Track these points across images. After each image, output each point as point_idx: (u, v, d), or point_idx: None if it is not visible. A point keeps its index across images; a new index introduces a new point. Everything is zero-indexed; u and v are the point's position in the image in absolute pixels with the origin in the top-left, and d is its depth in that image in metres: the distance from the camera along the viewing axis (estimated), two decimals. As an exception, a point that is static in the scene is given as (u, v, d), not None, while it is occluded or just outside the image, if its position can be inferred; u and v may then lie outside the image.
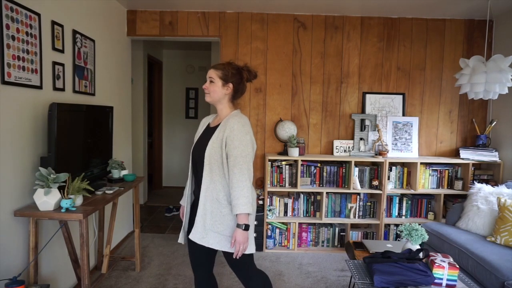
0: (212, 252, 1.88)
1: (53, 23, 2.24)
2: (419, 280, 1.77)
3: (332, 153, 3.66)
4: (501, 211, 2.58)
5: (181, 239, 1.93)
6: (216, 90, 1.79)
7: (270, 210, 3.47)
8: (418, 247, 2.09)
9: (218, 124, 1.81)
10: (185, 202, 1.92)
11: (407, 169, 3.57)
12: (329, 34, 3.62)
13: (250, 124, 1.81)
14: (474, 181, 3.25)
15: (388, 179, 3.51)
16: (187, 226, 1.93)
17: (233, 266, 1.85)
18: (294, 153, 3.38)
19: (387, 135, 3.62)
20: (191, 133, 6.02)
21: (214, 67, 1.82)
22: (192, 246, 1.88)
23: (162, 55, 5.91)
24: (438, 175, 3.56)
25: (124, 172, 2.78)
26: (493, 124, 3.53)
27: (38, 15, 2.08)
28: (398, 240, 3.46)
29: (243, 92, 1.87)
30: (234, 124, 1.72)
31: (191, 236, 1.76)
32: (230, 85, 1.80)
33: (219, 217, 1.73)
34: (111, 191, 2.35)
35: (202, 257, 1.90)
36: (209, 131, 1.84)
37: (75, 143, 2.28)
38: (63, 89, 2.38)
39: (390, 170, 3.55)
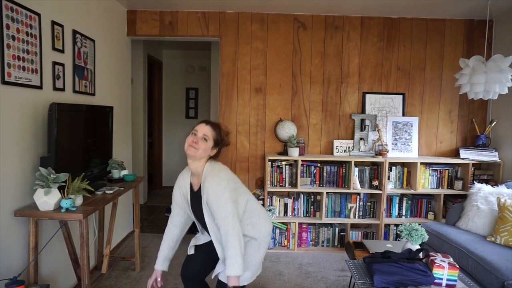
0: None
1: (53, 23, 2.24)
2: (419, 280, 1.77)
3: (332, 153, 3.66)
4: (501, 211, 2.58)
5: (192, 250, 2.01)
6: (206, 149, 1.74)
7: (270, 210, 3.47)
8: (418, 247, 2.09)
9: (198, 190, 1.80)
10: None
11: (407, 169, 3.57)
12: (329, 34, 3.62)
13: (225, 171, 1.78)
14: (474, 181, 3.25)
15: (388, 179, 3.51)
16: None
17: None
18: (294, 153, 3.38)
19: (387, 135, 3.62)
20: (191, 133, 6.02)
21: (211, 126, 1.78)
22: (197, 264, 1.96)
23: (162, 55, 5.91)
24: (438, 175, 3.56)
25: (124, 172, 2.78)
26: (493, 124, 3.53)
27: (38, 15, 2.08)
28: (398, 240, 3.46)
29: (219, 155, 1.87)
30: (209, 188, 1.70)
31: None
32: (217, 148, 1.81)
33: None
34: (111, 191, 2.35)
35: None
36: (196, 196, 1.82)
37: (75, 143, 2.28)
38: (63, 89, 2.38)
39: (390, 170, 3.55)
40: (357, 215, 3.53)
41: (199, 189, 1.79)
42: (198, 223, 1.97)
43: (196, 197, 1.83)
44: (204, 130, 1.75)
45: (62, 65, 2.36)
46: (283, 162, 3.49)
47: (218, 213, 1.68)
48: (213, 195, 1.68)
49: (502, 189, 2.82)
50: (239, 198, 1.79)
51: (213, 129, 1.77)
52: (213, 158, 1.82)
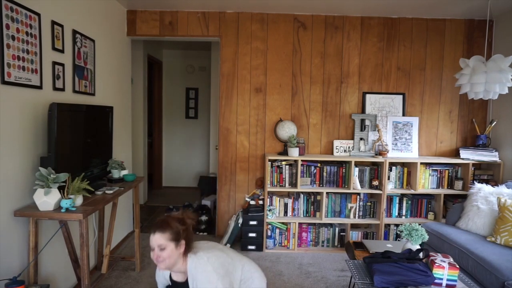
0: None
1: (53, 23, 2.24)
2: (419, 280, 1.77)
3: (332, 153, 3.66)
4: (501, 211, 2.58)
5: None
6: (171, 255, 1.60)
7: (270, 210, 3.47)
8: (418, 247, 2.08)
9: (185, 281, 1.71)
10: None
11: (407, 169, 3.57)
12: (329, 34, 3.62)
13: (210, 260, 1.66)
14: (474, 181, 3.25)
15: (388, 179, 3.51)
16: None
17: None
18: (294, 153, 3.38)
19: (387, 135, 3.62)
20: (191, 133, 6.03)
21: (160, 231, 1.61)
22: None
23: (162, 55, 5.91)
24: (438, 175, 3.55)
25: (124, 172, 2.78)
26: (493, 124, 3.53)
27: (38, 15, 2.08)
28: (398, 240, 3.46)
29: (192, 237, 1.72)
30: (201, 285, 1.61)
31: None
32: (183, 241, 1.64)
33: None
34: (111, 191, 2.35)
35: None
36: (183, 286, 1.73)
37: (75, 143, 2.28)
38: (63, 89, 2.38)
39: (390, 170, 3.55)
40: (357, 215, 3.53)
41: (186, 281, 1.70)
42: None
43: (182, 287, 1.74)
44: (156, 241, 1.61)
45: (62, 65, 2.36)
46: (283, 162, 3.49)
47: None
48: (205, 283, 1.61)
49: (502, 189, 2.82)
50: (233, 276, 1.72)
51: (163, 233, 1.61)
52: (190, 248, 1.69)
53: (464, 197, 3.36)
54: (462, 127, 3.72)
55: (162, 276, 1.82)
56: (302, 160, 3.45)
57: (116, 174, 2.71)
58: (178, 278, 1.75)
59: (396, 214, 3.58)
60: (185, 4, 3.40)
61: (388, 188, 3.45)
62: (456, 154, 3.71)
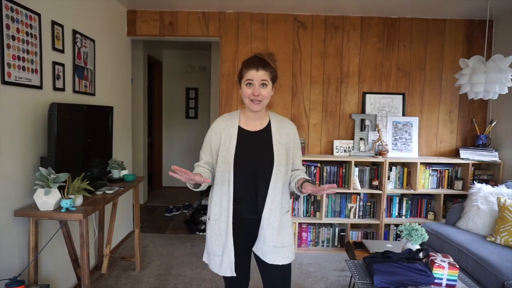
0: None
1: (53, 23, 2.24)
2: (419, 280, 1.77)
3: (332, 153, 3.66)
4: (501, 211, 2.58)
5: (229, 271, 1.59)
6: (268, 95, 1.57)
7: (270, 210, 3.46)
8: (418, 247, 2.09)
9: (264, 129, 1.64)
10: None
11: (407, 169, 3.57)
12: (329, 34, 3.62)
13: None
14: (474, 181, 3.24)
15: (388, 179, 3.51)
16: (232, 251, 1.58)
17: (280, 279, 1.67)
18: (294, 153, 3.37)
19: (387, 135, 3.62)
20: (191, 133, 6.02)
21: (263, 69, 1.54)
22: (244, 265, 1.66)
23: (162, 55, 5.91)
24: (438, 175, 3.56)
25: (124, 172, 2.78)
26: (493, 124, 3.53)
27: (38, 15, 2.08)
28: (398, 240, 3.46)
29: None
30: (290, 129, 1.68)
31: (263, 257, 1.60)
32: (274, 86, 1.63)
33: (288, 229, 1.65)
34: (111, 191, 2.35)
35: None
36: (255, 136, 1.62)
37: (75, 143, 2.28)
38: (63, 89, 2.38)
39: (390, 170, 3.55)
40: (357, 215, 3.53)
41: (263, 130, 1.63)
42: (241, 177, 1.57)
43: (254, 138, 1.61)
44: (259, 77, 1.53)
45: (62, 65, 2.36)
46: (283, 162, 3.49)
47: (299, 153, 1.72)
48: (296, 137, 1.68)
49: (502, 189, 2.82)
50: None
51: (266, 71, 1.54)
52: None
53: (464, 197, 3.35)
54: (462, 127, 3.72)
55: (228, 127, 1.63)
56: (302, 160, 3.44)
57: (116, 174, 2.71)
58: (251, 127, 1.64)
59: (396, 214, 3.58)
60: (185, 4, 3.40)
61: (388, 188, 3.45)
62: (456, 154, 3.71)
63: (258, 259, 1.66)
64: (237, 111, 1.71)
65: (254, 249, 1.64)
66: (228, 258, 1.58)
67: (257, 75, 1.53)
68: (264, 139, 1.62)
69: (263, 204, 1.58)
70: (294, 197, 3.57)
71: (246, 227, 1.61)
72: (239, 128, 1.63)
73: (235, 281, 1.66)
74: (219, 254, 1.61)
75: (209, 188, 1.71)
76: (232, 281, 1.65)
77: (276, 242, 1.60)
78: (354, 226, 3.67)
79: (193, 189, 1.57)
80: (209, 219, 1.66)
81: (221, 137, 1.61)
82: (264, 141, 1.62)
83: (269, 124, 1.67)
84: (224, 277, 1.67)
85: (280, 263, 1.62)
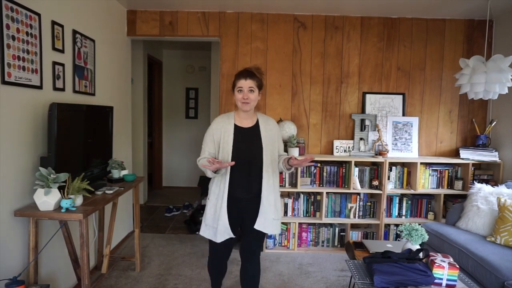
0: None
1: (53, 23, 2.24)
2: (419, 280, 1.77)
3: (332, 153, 3.66)
4: (501, 211, 2.58)
5: (226, 235, 2.04)
6: (255, 98, 2.02)
7: (270, 210, 3.46)
8: (418, 247, 2.08)
9: (254, 126, 2.09)
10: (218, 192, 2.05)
11: (407, 169, 3.57)
12: (329, 34, 3.62)
13: None
14: (474, 181, 3.25)
15: (388, 179, 3.51)
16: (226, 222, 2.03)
17: (256, 247, 2.21)
18: (294, 153, 3.38)
19: (387, 135, 3.62)
20: (191, 133, 6.02)
21: (251, 78, 1.98)
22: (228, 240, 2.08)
23: (162, 55, 5.91)
24: (438, 175, 3.56)
25: (124, 172, 2.78)
26: (493, 124, 3.53)
27: (38, 15, 2.08)
28: (398, 240, 3.46)
29: None
30: (274, 126, 2.15)
31: (265, 230, 2.07)
32: (260, 93, 2.07)
33: (279, 205, 2.18)
34: (111, 191, 2.35)
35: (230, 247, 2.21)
36: (248, 131, 2.07)
37: (75, 143, 2.28)
38: (63, 89, 2.38)
39: (390, 170, 3.55)
40: (357, 215, 3.53)
41: (253, 127, 2.08)
42: (240, 166, 1.99)
43: (247, 133, 2.06)
44: (248, 84, 1.97)
45: (62, 65, 2.36)
46: (283, 162, 3.49)
47: (282, 144, 2.20)
48: (278, 132, 2.17)
49: (502, 189, 2.82)
50: None
51: (253, 80, 1.99)
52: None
53: (464, 197, 3.35)
54: (462, 127, 3.72)
55: (225, 124, 2.07)
56: (302, 160, 3.44)
57: (116, 174, 2.71)
58: (244, 124, 2.08)
59: (396, 214, 3.58)
60: (185, 4, 3.40)
61: (388, 188, 3.45)
62: (456, 154, 3.71)
63: (245, 228, 2.13)
64: (232, 112, 2.15)
65: (256, 225, 2.05)
66: (224, 226, 2.01)
67: (245, 83, 1.98)
68: (254, 133, 2.08)
69: (256, 186, 2.04)
70: (294, 197, 3.57)
71: (238, 205, 2.05)
72: (235, 125, 2.07)
73: (222, 246, 2.11)
74: (215, 225, 2.03)
75: (208, 185, 2.17)
76: (220, 246, 2.09)
77: (274, 215, 2.09)
78: (354, 226, 3.67)
79: (213, 176, 1.99)
80: (209, 199, 2.09)
81: (221, 132, 2.05)
82: (254, 135, 2.08)
83: (257, 122, 2.12)
84: (212, 244, 2.14)
85: (275, 233, 2.37)
